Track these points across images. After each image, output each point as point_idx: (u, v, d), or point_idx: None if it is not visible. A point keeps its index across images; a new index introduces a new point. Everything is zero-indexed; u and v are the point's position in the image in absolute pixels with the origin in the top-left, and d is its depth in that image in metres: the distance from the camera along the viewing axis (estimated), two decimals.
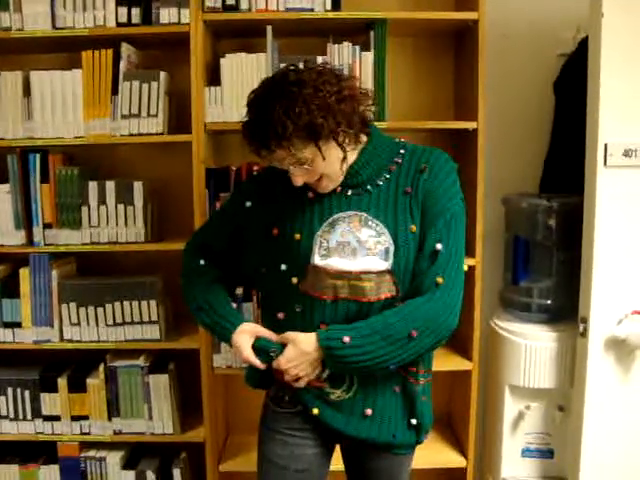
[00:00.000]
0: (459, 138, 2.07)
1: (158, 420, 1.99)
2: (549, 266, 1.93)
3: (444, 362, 1.96)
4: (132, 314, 1.94)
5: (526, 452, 1.98)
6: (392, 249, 1.29)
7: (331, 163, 1.28)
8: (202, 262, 1.47)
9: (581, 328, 1.78)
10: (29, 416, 2.00)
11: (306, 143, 1.23)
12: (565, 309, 1.93)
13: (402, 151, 1.36)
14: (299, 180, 1.29)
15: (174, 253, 1.93)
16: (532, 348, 1.88)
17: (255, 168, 1.84)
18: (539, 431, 1.96)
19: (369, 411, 1.36)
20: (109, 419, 1.99)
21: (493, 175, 2.00)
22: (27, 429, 2.01)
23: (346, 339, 1.25)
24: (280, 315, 1.37)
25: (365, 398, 1.36)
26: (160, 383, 1.97)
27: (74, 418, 1.99)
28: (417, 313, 1.26)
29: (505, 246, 2.06)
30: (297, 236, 1.32)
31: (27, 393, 1.99)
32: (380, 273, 1.29)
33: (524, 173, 2.15)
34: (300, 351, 1.29)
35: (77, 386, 1.98)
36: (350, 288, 1.30)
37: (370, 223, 1.31)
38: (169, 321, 2.01)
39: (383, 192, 1.34)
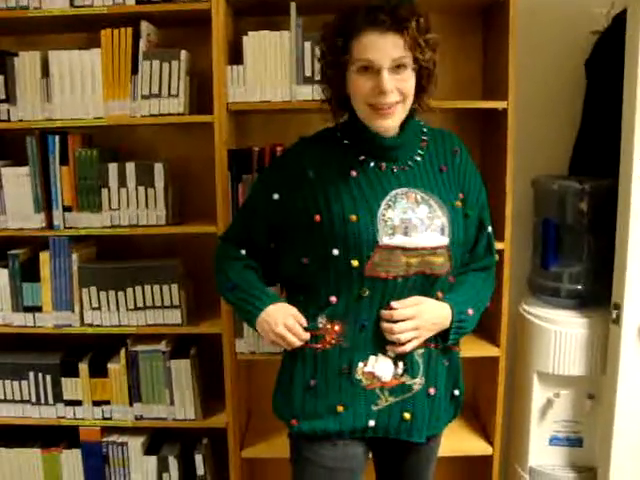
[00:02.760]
0: (487, 118, 2.01)
1: (180, 406, 1.97)
2: (580, 250, 1.87)
3: (471, 348, 1.91)
4: (153, 298, 1.91)
5: (554, 440, 1.93)
6: (447, 224, 1.28)
7: (412, 92, 1.27)
8: (243, 252, 1.42)
9: (614, 315, 1.73)
10: (51, 401, 1.99)
11: (416, 44, 1.22)
12: (596, 295, 1.87)
13: (424, 129, 1.38)
14: (389, 84, 1.21)
15: (195, 236, 1.91)
16: (562, 334, 1.83)
17: (279, 149, 1.80)
18: (568, 419, 1.91)
19: (432, 390, 1.33)
20: (130, 404, 1.97)
21: (521, 156, 1.94)
22: (49, 414, 2.00)
23: (470, 311, 1.31)
24: (333, 299, 1.31)
25: (428, 377, 1.33)
26: (181, 368, 1.95)
27: (95, 403, 1.98)
28: (486, 288, 1.40)
29: (534, 230, 2.00)
30: (353, 217, 1.26)
31: (48, 378, 1.97)
32: (445, 248, 1.28)
33: (553, 155, 2.08)
34: (430, 315, 1.28)
35: (98, 371, 1.96)
36: (422, 264, 1.27)
37: (423, 199, 1.29)
38: (190, 305, 1.98)
39: (422, 168, 1.33)
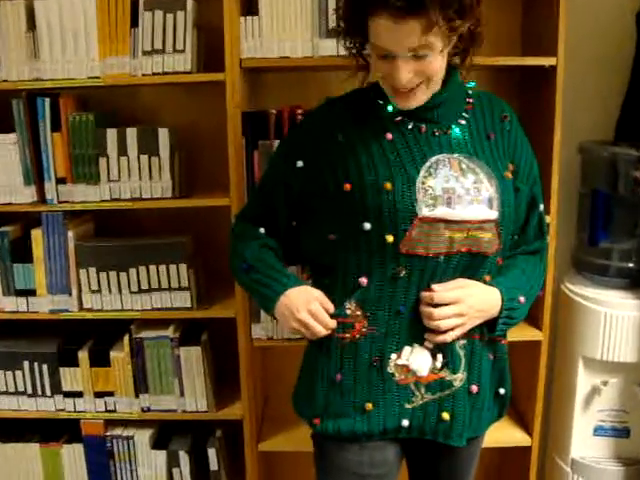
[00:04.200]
0: (526, 78, 1.81)
1: (190, 396, 1.80)
2: (632, 225, 1.69)
3: (510, 331, 1.74)
4: (159, 279, 1.72)
5: (599, 431, 1.78)
6: (495, 197, 1.11)
7: (441, 66, 1.07)
8: (261, 230, 1.25)
9: None
10: (48, 392, 1.81)
11: (445, 21, 0.99)
12: None
13: (469, 92, 1.20)
14: (405, 76, 1.04)
15: (206, 210, 1.72)
16: (612, 317, 1.66)
17: (299, 112, 1.59)
18: (615, 408, 1.76)
19: (475, 387, 1.17)
20: (136, 395, 1.80)
21: (566, 120, 1.74)
22: (47, 406, 1.82)
23: (522, 299, 1.16)
24: (363, 280, 1.13)
25: (470, 373, 1.16)
26: (192, 356, 1.77)
27: (98, 394, 1.80)
28: (538, 273, 1.24)
29: (580, 201, 1.82)
30: (388, 185, 1.08)
31: (45, 367, 1.79)
32: (493, 223, 1.11)
33: (599, 118, 1.88)
34: (477, 300, 1.11)
35: (100, 360, 1.78)
36: (468, 241, 1.10)
37: (469, 167, 1.11)
38: (201, 287, 1.79)
39: (467, 133, 1.16)
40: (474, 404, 1.18)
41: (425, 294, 1.11)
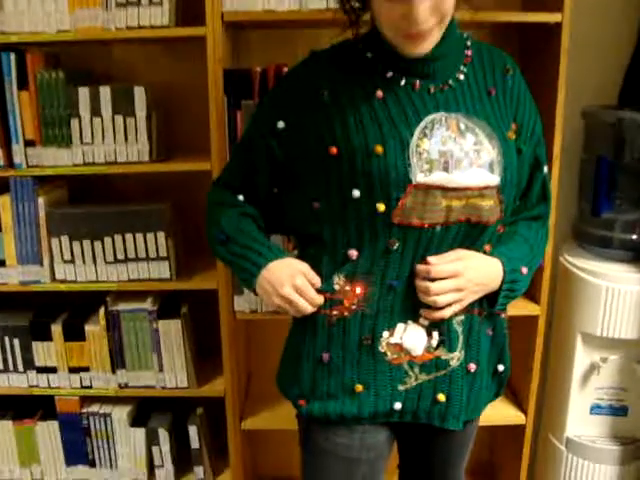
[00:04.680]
0: (526, 37, 1.70)
1: (170, 372, 1.71)
2: (638, 194, 1.60)
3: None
4: (136, 249, 1.62)
5: (595, 409, 1.71)
6: (497, 160, 1.01)
7: (452, 9, 0.96)
8: (240, 198, 1.15)
9: None
10: (20, 368, 1.72)
11: None
12: None
13: (468, 43, 1.09)
14: (423, 14, 0.91)
15: (185, 175, 1.62)
16: (613, 291, 1.58)
17: (285, 70, 1.48)
18: (613, 386, 1.68)
19: (473, 366, 1.09)
20: (113, 371, 1.71)
21: (568, 83, 1.64)
22: (19, 382, 1.73)
23: (524, 270, 1.08)
24: (353, 254, 1.04)
25: (468, 351, 1.08)
26: (171, 330, 1.68)
27: (72, 370, 1.71)
28: (541, 241, 1.15)
29: (581, 169, 1.73)
30: (379, 149, 0.98)
31: (16, 342, 1.70)
32: (494, 189, 1.02)
33: (601, 82, 1.78)
34: (477, 273, 1.03)
35: (74, 334, 1.69)
36: (467, 209, 1.00)
37: (468, 127, 1.01)
38: (180, 257, 1.70)
39: (466, 89, 1.05)
40: (472, 384, 1.10)
41: (420, 267, 1.02)
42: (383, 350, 1.06)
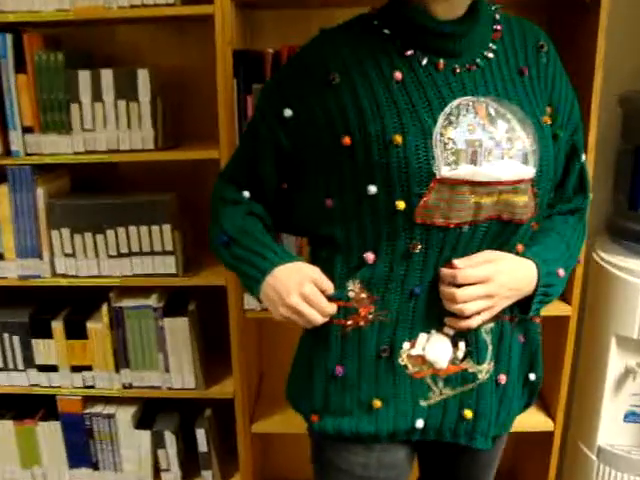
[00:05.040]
0: (564, 14, 1.58)
1: (176, 372, 1.62)
2: None
3: None
4: (140, 242, 1.53)
5: (630, 416, 1.60)
6: (532, 149, 0.89)
7: None
8: (245, 194, 1.04)
9: None
10: (20, 366, 1.64)
11: None
12: None
13: (497, 16, 0.96)
14: None
15: (193, 164, 1.52)
16: None
17: None
18: None
19: (503, 377, 0.98)
20: (117, 371, 1.63)
21: (605, 67, 1.51)
22: (20, 381, 1.66)
23: (561, 272, 0.96)
24: (369, 257, 0.93)
25: (498, 361, 0.98)
26: (177, 328, 1.59)
27: (75, 369, 1.63)
28: (577, 238, 1.03)
29: (618, 160, 1.60)
30: (397, 138, 0.86)
31: (16, 339, 1.62)
32: (529, 183, 0.90)
33: (638, 64, 1.65)
34: (509, 277, 0.91)
35: (76, 331, 1.60)
36: (499, 206, 0.89)
37: (498, 112, 0.89)
38: (187, 251, 1.60)
39: (496, 69, 0.93)
40: (502, 397, 0.99)
41: (446, 272, 0.91)
42: (403, 363, 0.95)
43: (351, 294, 0.95)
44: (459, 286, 0.90)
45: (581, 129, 1.03)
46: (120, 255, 1.54)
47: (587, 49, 1.42)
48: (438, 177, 0.86)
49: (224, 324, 1.57)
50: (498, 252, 0.93)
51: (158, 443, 1.69)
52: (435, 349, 0.94)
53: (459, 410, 0.97)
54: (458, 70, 0.90)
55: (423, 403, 0.96)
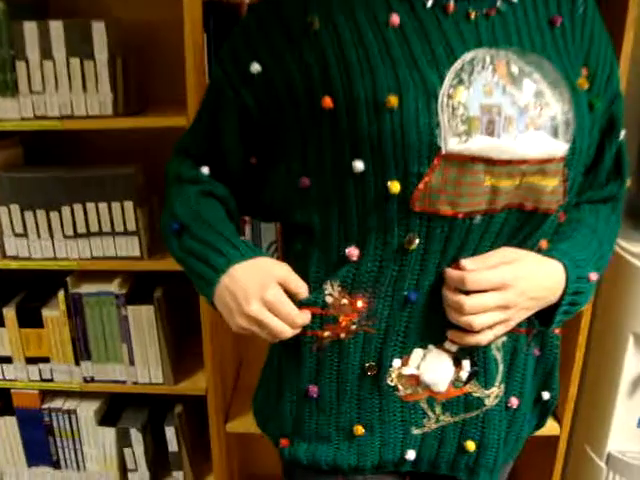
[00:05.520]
0: None
1: (142, 366, 1.46)
2: None
3: None
4: (100, 221, 1.36)
5: None
6: (564, 119, 0.70)
7: None
8: (204, 170, 0.84)
9: None
10: None
11: None
12: None
13: None
14: None
15: (159, 132, 1.33)
16: None
17: None
18: None
19: (515, 401, 0.81)
20: (76, 363, 1.47)
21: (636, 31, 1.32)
22: None
23: (593, 276, 0.78)
24: (352, 252, 0.75)
25: (510, 382, 0.81)
26: (142, 316, 1.42)
27: (30, 360, 1.47)
28: (611, 232, 0.85)
29: None
30: (392, 100, 0.67)
31: None
32: (560, 162, 0.71)
33: None
34: (530, 283, 0.72)
35: (30, 319, 1.44)
36: (521, 191, 0.70)
37: (522, 71, 0.69)
38: (153, 231, 1.43)
39: (521, 15, 0.73)
40: (511, 423, 0.83)
41: (452, 273, 0.73)
42: (393, 383, 0.78)
43: (329, 299, 0.77)
44: (467, 293, 0.72)
45: (621, 99, 0.83)
46: (77, 235, 1.37)
47: (617, 10, 1.22)
48: (444, 152, 0.67)
49: (195, 312, 1.40)
50: (518, 250, 0.74)
51: (124, 441, 1.54)
52: (433, 368, 0.77)
53: (459, 441, 0.80)
54: (473, 15, 0.71)
55: (416, 431, 0.79)
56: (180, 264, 0.83)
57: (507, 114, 0.67)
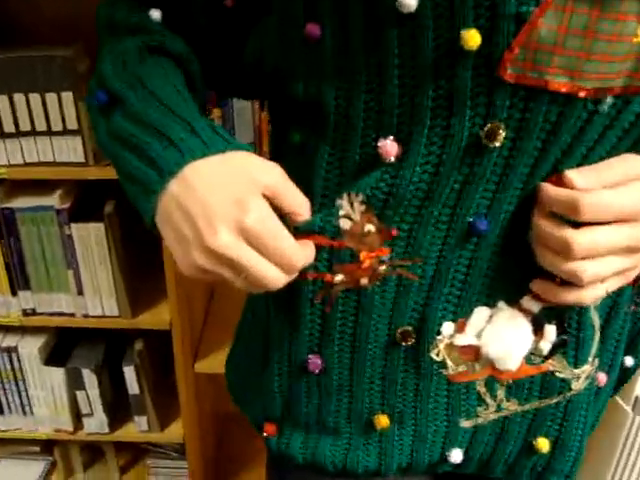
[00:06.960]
0: None
1: (93, 295, 1.23)
2: None
3: None
4: (32, 117, 1.10)
5: None
6: None
7: None
8: (155, 15, 0.54)
9: None
10: None
11: None
12: None
13: None
14: None
15: None
16: None
17: None
18: None
19: (603, 377, 0.58)
20: (13, 293, 1.23)
21: None
22: None
23: None
24: (390, 148, 0.45)
25: (604, 352, 0.57)
26: (90, 236, 1.19)
27: None
28: None
29: None
30: None
31: None
32: None
33: None
34: None
35: None
36: None
37: None
38: None
39: None
40: (596, 404, 0.60)
41: (558, 192, 0.45)
42: (439, 358, 0.52)
43: (345, 223, 0.48)
44: (576, 225, 0.45)
45: None
46: (5, 135, 1.11)
47: None
48: None
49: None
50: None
51: (75, 383, 1.33)
52: (502, 336, 0.51)
53: (526, 437, 0.57)
54: None
55: (466, 423, 0.55)
56: (108, 158, 0.53)
57: None
